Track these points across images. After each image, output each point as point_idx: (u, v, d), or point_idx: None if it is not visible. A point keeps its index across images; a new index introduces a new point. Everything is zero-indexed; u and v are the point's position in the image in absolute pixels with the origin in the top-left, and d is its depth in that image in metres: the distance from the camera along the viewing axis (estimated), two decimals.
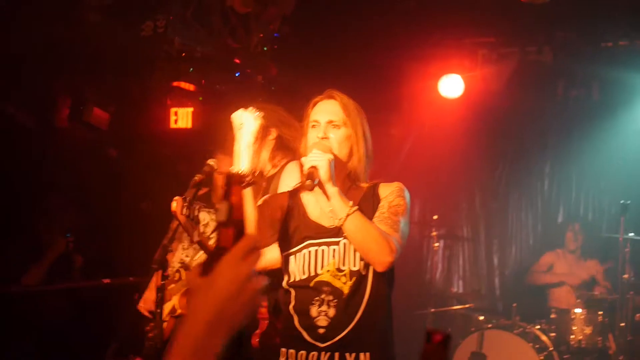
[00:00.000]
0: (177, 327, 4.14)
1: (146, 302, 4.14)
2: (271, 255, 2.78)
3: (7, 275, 4.64)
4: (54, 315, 4.73)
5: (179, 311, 4.13)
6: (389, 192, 2.64)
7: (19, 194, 4.95)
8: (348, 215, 2.44)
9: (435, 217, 6.89)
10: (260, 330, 3.39)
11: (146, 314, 4.10)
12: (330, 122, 2.62)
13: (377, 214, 2.58)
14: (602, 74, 6.45)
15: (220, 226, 1.18)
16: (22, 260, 4.74)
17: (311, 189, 2.43)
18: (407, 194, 2.67)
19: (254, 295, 1.16)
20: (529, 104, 6.99)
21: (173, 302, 4.09)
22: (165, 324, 4.03)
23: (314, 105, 2.71)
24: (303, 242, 2.60)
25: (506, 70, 6.68)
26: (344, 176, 2.66)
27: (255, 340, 3.35)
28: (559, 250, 6.65)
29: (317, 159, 2.45)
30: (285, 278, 2.64)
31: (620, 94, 6.52)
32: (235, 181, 1.21)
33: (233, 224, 1.18)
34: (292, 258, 2.61)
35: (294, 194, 2.73)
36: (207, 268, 1.15)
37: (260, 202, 2.75)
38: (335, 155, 2.56)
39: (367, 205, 2.61)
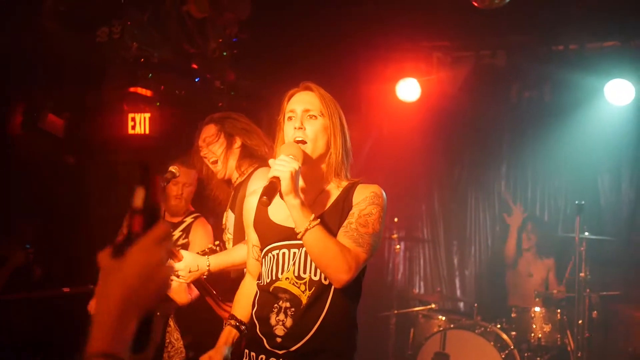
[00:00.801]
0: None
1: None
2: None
3: None
4: (13, 325, 4.64)
5: None
6: (362, 199, 2.51)
7: None
8: (307, 229, 2.35)
9: (395, 219, 6.95)
10: None
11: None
12: (306, 111, 2.54)
13: (345, 223, 2.48)
14: (553, 77, 6.59)
15: (134, 212, 1.19)
16: None
17: (267, 205, 2.33)
18: (383, 200, 2.54)
19: (164, 281, 1.19)
20: (484, 107, 7.10)
21: None
22: None
23: (290, 97, 2.62)
24: (269, 245, 2.56)
25: (461, 74, 6.78)
26: (322, 172, 2.57)
27: None
28: None
29: (280, 169, 2.33)
30: (258, 280, 2.63)
31: (570, 95, 6.66)
32: (153, 171, 1.23)
33: (147, 211, 1.20)
34: (263, 261, 2.59)
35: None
36: (119, 251, 1.18)
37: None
38: (311, 146, 2.49)
39: (336, 211, 2.51)
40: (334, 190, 2.59)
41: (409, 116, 7.08)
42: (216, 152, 3.63)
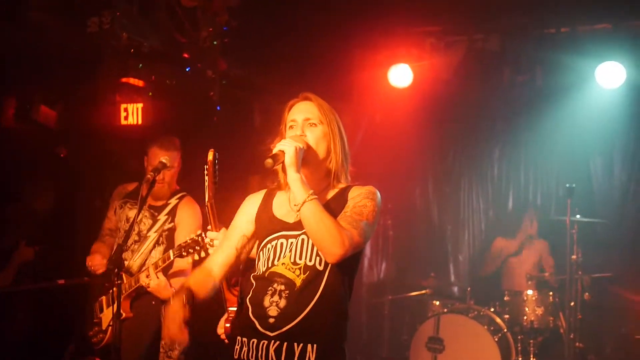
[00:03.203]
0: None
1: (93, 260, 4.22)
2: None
3: None
4: (9, 317, 4.67)
5: (123, 315, 4.11)
6: (357, 194, 2.67)
7: None
8: (305, 201, 2.48)
9: (389, 205, 6.98)
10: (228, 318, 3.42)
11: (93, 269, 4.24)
12: (307, 119, 2.69)
13: (341, 213, 2.61)
14: (545, 60, 6.57)
15: None
16: None
17: (271, 167, 2.48)
18: (377, 197, 2.69)
19: None
20: (477, 91, 7.09)
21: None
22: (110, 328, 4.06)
23: (291, 107, 2.77)
24: (267, 238, 2.67)
25: (454, 59, 6.76)
26: (322, 175, 2.72)
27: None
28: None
29: (286, 145, 2.52)
30: (253, 272, 2.71)
31: (562, 79, 6.63)
32: None
33: None
34: (260, 254, 2.68)
35: (267, 195, 2.80)
36: None
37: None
38: (312, 151, 2.63)
39: (335, 204, 2.66)
40: (332, 191, 2.74)
41: (401, 102, 7.07)
42: None
